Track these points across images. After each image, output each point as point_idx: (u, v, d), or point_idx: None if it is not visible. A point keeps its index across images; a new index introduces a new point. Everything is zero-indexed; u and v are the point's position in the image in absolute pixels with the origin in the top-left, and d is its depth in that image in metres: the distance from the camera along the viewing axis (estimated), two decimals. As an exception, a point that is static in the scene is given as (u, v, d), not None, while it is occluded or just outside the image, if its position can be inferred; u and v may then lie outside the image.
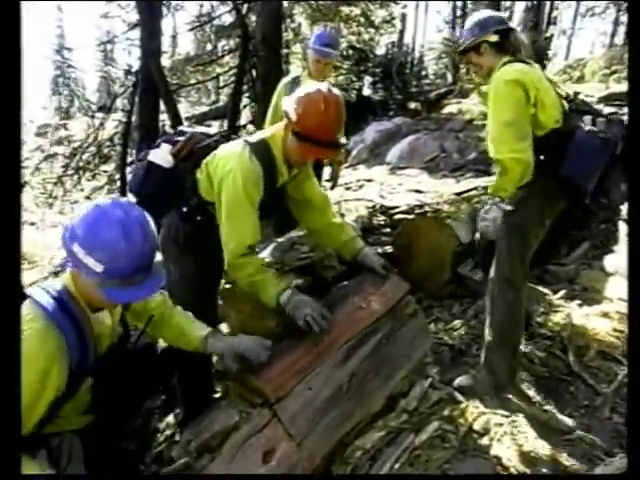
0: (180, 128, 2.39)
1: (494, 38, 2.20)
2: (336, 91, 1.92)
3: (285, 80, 3.63)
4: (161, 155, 2.11)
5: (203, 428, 1.49)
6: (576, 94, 2.33)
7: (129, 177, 2.36)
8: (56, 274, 1.68)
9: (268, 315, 2.54)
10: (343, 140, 2.00)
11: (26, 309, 1.36)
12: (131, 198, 2.08)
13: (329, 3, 8.75)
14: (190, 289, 2.14)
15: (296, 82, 3.49)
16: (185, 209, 2.10)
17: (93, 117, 6.38)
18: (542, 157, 2.11)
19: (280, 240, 2.91)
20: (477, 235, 2.28)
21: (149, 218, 1.42)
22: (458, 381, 2.23)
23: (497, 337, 2.17)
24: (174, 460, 1.74)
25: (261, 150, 1.94)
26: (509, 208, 2.08)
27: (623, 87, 7.62)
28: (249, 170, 1.88)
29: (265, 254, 2.75)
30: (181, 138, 2.15)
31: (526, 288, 2.24)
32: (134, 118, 5.95)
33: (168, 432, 2.30)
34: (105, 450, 1.72)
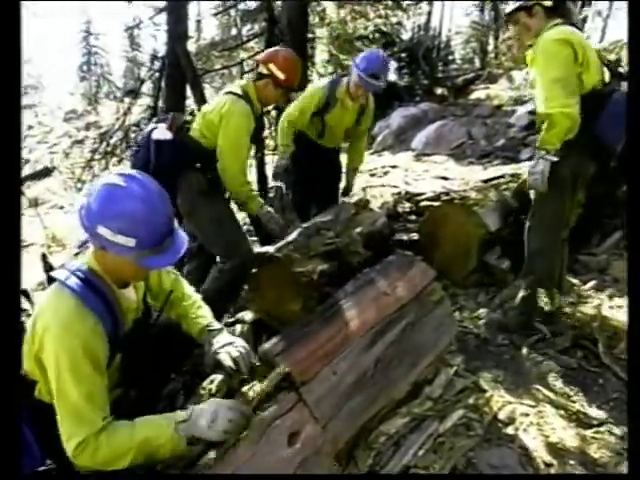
0: (162, 116, 2.94)
1: (549, 2, 2.26)
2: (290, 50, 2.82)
3: (319, 85, 3.51)
4: (161, 132, 2.58)
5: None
6: (618, 60, 2.40)
7: (135, 159, 2.74)
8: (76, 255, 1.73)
9: (292, 299, 2.56)
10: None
11: (55, 291, 1.38)
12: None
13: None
14: (221, 225, 2.61)
15: (332, 95, 3.39)
16: (198, 165, 2.60)
17: (122, 101, 6.44)
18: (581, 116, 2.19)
19: (305, 225, 2.91)
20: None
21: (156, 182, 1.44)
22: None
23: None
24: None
25: (244, 97, 2.56)
26: (556, 159, 2.17)
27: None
28: (243, 106, 2.51)
29: (291, 239, 2.75)
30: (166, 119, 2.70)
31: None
32: (160, 103, 6.00)
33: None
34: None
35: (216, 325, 1.77)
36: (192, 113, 2.86)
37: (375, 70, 3.18)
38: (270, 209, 2.74)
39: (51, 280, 1.42)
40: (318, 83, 3.63)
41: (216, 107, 2.55)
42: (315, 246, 2.69)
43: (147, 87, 6.81)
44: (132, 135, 6.60)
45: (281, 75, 2.58)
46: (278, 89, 2.64)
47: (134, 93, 6.34)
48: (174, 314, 1.83)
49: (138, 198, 1.32)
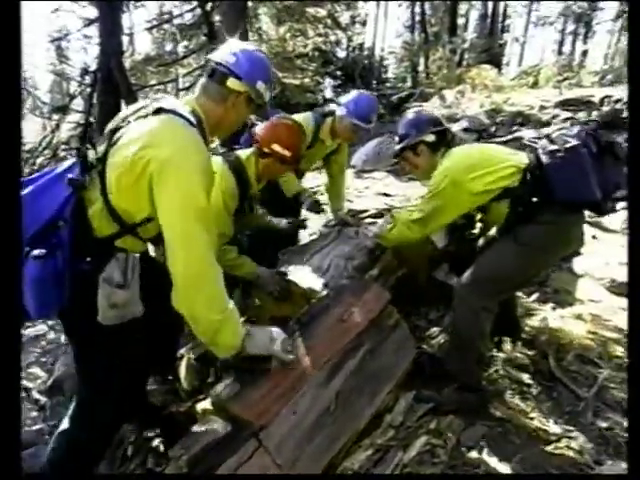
0: None
1: (431, 138, 2.28)
2: (289, 120, 2.52)
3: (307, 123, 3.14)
4: None
5: (194, 441, 1.37)
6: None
7: None
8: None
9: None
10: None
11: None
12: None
13: (294, 4, 8.63)
14: None
15: (316, 136, 3.22)
16: None
17: (50, 119, 6.01)
18: (535, 199, 1.98)
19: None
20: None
21: None
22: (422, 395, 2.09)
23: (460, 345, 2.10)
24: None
25: (237, 169, 2.37)
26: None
27: (575, 93, 8.08)
28: (227, 187, 2.30)
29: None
30: None
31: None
32: (92, 119, 5.66)
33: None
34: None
35: None
36: None
37: (372, 114, 3.11)
38: (261, 273, 2.50)
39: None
40: (306, 119, 3.24)
41: None
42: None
43: (77, 103, 6.42)
44: (61, 154, 6.18)
45: (287, 153, 2.40)
46: (284, 165, 2.47)
47: (64, 109, 5.94)
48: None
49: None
